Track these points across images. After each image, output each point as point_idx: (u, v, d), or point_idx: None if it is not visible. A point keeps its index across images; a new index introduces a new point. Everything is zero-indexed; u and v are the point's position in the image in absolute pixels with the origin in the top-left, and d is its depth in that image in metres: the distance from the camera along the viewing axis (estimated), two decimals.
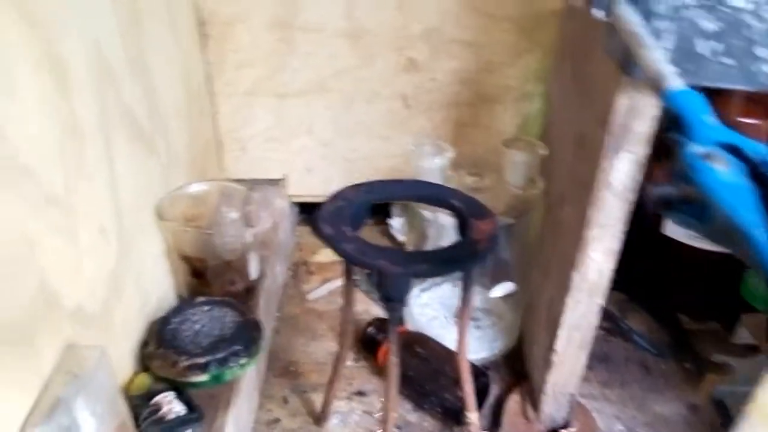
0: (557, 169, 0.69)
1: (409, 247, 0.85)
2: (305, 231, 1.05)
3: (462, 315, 0.57)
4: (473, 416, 0.64)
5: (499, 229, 0.71)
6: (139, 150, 0.64)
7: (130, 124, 0.62)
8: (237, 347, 0.62)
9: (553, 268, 0.67)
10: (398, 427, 0.70)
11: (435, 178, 0.69)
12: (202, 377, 0.60)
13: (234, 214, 0.68)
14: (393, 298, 0.46)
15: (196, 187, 0.73)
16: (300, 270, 0.96)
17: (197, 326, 0.65)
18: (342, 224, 0.49)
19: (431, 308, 0.85)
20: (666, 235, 0.81)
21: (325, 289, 0.91)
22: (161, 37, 0.71)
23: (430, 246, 0.82)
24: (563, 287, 0.61)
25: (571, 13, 0.67)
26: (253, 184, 0.96)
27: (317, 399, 0.72)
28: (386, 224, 0.99)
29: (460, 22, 0.82)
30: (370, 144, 0.92)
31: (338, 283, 0.92)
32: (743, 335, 0.66)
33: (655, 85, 0.34)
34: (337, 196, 0.53)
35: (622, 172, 0.51)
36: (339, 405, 0.73)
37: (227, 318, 0.66)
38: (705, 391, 0.73)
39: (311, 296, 0.90)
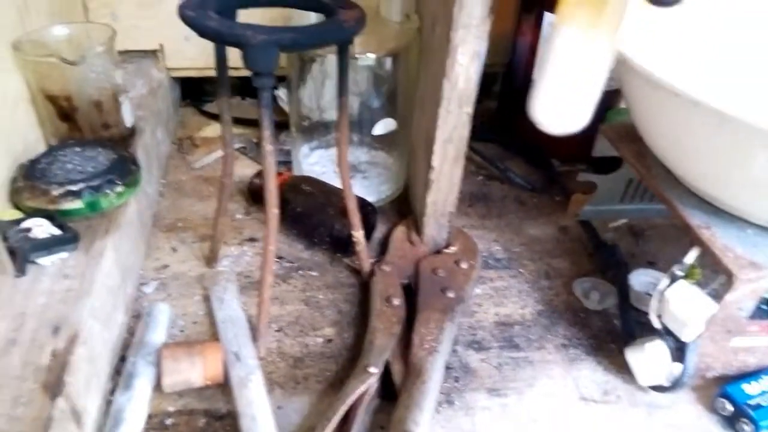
0: (430, 3, 0.70)
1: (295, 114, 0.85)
2: (189, 111, 1.02)
3: (340, 111, 0.57)
4: (359, 234, 0.66)
5: (378, 63, 0.73)
6: None
7: None
8: (112, 177, 0.60)
9: (427, 97, 0.69)
10: (290, 262, 0.72)
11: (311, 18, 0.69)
12: (76, 203, 0.58)
13: (99, 47, 0.64)
14: (261, 70, 0.46)
15: (59, 29, 0.68)
16: (185, 144, 0.93)
17: (69, 165, 0.62)
18: (207, 11, 0.48)
19: (320, 165, 0.86)
20: None
21: (211, 158, 0.90)
22: None
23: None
24: (436, 103, 0.63)
25: None
26: (127, 56, 0.92)
27: (207, 248, 0.72)
28: (274, 97, 0.98)
29: None
30: None
31: None
32: (602, 147, 0.72)
33: None
34: None
35: None
36: (230, 250, 0.73)
37: (101, 157, 0.63)
38: (572, 212, 0.80)
39: (197, 164, 0.88)
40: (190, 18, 0.47)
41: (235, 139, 0.91)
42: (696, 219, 0.58)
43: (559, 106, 0.29)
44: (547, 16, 0.82)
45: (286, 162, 0.89)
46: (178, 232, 0.75)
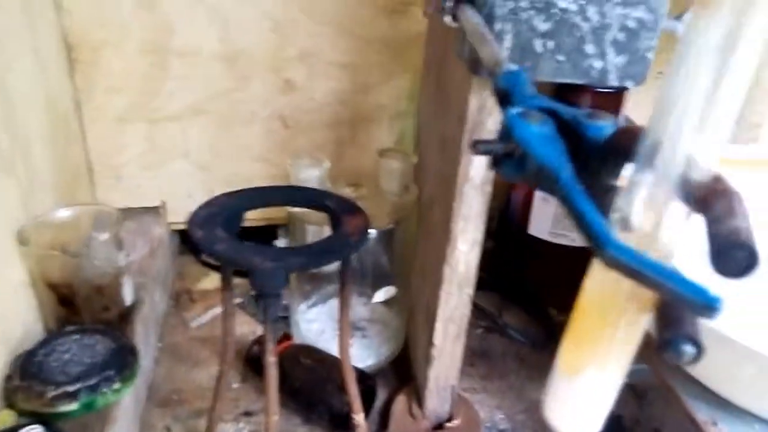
0: (427, 177, 0.73)
1: None
2: (188, 260, 1.02)
3: (341, 310, 0.58)
4: (359, 417, 0.64)
5: (378, 233, 0.75)
6: None
7: None
8: (109, 372, 0.59)
9: (427, 269, 0.70)
10: None
11: None
12: (72, 406, 0.57)
13: (103, 236, 0.65)
14: (268, 293, 0.47)
15: (63, 213, 0.69)
16: (182, 298, 0.93)
17: (66, 356, 0.61)
18: (214, 228, 0.49)
19: (319, 323, 0.86)
20: (532, 235, 0.88)
21: (209, 316, 0.89)
22: (23, 59, 0.69)
23: None
24: (437, 283, 0.64)
25: (432, 27, 0.73)
26: (129, 213, 0.93)
27: (202, 425, 0.70)
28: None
29: (336, 44, 0.86)
30: (251, 166, 0.92)
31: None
32: None
33: (492, 73, 0.38)
34: (210, 203, 0.53)
35: (478, 166, 0.56)
36: (226, 428, 0.71)
37: (99, 345, 0.63)
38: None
39: (194, 323, 0.88)
40: (198, 239, 0.48)
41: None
42: (702, 413, 0.57)
43: (571, 417, 0.29)
44: None
45: (284, 317, 0.89)
46: (173, 407, 0.73)
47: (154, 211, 0.94)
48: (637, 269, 0.22)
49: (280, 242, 0.98)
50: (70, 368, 0.60)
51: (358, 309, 0.87)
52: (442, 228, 0.62)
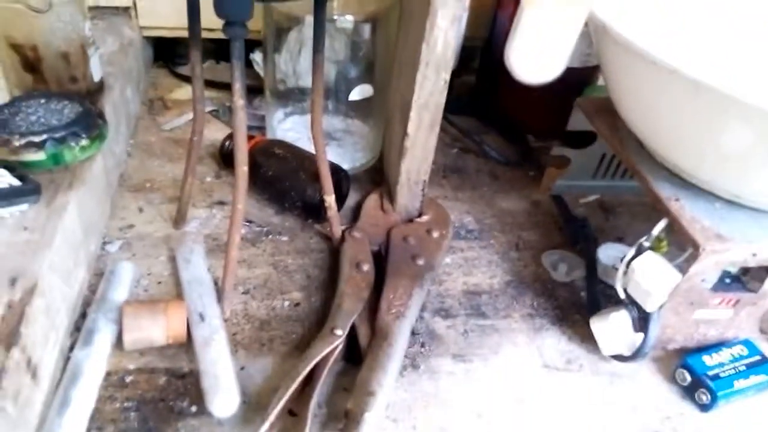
0: None
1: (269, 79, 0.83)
2: (161, 72, 0.99)
3: (314, 72, 0.56)
4: (330, 199, 0.65)
5: (359, 27, 0.72)
6: None
7: None
8: (77, 129, 0.59)
9: (405, 60, 0.68)
10: (260, 226, 0.71)
11: None
12: (39, 155, 0.56)
13: None
14: (233, 18, 0.45)
15: None
16: (155, 104, 0.91)
17: (33, 116, 0.60)
18: None
19: (295, 131, 0.85)
20: None
21: (182, 120, 0.88)
22: None
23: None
24: (413, 68, 0.62)
25: None
26: (98, 12, 0.89)
27: (174, 209, 0.70)
28: (249, 61, 0.96)
29: None
30: None
31: None
32: (577, 120, 0.72)
33: None
34: None
35: None
36: (198, 213, 0.72)
37: (67, 109, 0.61)
38: (544, 186, 0.80)
39: (167, 126, 0.86)
40: None
41: (207, 102, 0.90)
42: (666, 191, 0.58)
43: (533, 59, 0.29)
44: None
45: (260, 127, 0.88)
46: (145, 193, 0.73)
47: (125, 12, 0.90)
48: None
49: (257, 56, 0.95)
50: (37, 125, 0.58)
51: (334, 121, 0.86)
52: (422, 6, 0.60)
